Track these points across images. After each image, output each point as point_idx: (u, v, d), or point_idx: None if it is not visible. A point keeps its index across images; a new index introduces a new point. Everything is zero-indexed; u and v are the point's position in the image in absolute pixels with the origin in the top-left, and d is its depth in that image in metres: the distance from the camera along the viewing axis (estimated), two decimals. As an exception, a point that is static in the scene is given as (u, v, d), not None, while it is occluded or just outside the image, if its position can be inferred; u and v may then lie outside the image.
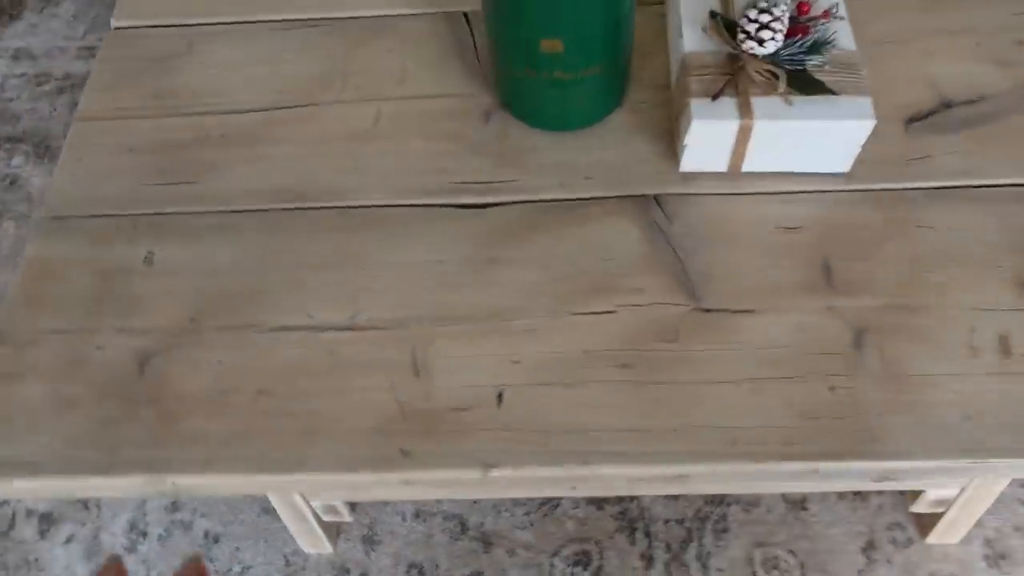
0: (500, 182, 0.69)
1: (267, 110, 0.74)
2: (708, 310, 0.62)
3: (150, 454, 0.57)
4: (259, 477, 0.57)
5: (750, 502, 0.99)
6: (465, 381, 0.60)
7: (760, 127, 0.63)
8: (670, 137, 0.70)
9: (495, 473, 0.56)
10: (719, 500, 0.99)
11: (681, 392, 0.58)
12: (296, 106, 0.75)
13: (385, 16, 0.80)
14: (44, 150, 1.35)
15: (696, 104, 0.63)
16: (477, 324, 0.62)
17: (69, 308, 0.65)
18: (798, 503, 0.99)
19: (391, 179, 0.69)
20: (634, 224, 0.66)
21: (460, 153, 0.71)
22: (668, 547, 0.96)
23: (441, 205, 0.68)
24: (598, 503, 1.00)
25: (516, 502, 0.99)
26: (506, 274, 0.64)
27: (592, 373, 0.59)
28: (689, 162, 0.68)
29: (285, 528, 0.95)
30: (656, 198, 0.67)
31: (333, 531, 0.97)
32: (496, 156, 0.70)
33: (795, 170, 0.67)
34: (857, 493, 0.99)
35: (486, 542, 0.96)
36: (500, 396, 0.59)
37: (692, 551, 0.96)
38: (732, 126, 0.64)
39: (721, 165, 0.68)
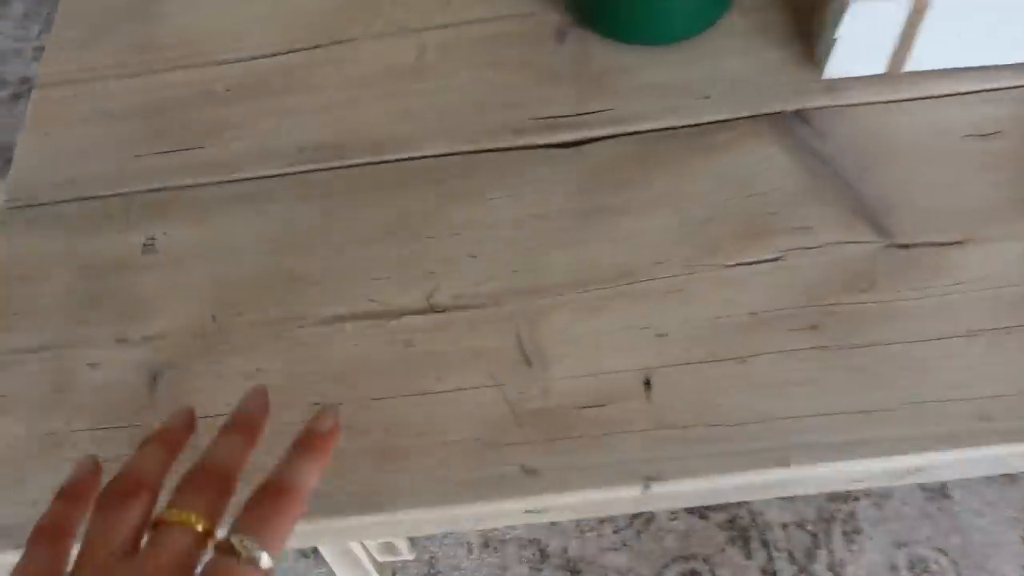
0: (591, 113, 0.53)
1: (281, 54, 0.59)
2: (905, 245, 0.46)
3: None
4: (321, 524, 0.41)
5: (881, 495, 0.83)
6: (594, 367, 0.44)
7: (941, 5, 0.48)
8: (802, 39, 0.55)
9: (659, 489, 0.40)
10: (843, 496, 0.84)
11: (894, 356, 0.43)
12: (317, 46, 0.59)
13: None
14: (6, 163, 1.19)
15: (856, -20, 0.48)
16: (598, 289, 0.46)
17: (48, 318, 0.48)
18: (938, 491, 0.83)
19: (450, 122, 0.54)
20: (777, 147, 0.51)
21: (532, 84, 0.55)
22: (792, 557, 0.80)
23: (520, 148, 0.52)
24: (700, 512, 0.84)
25: (603, 519, 0.84)
26: (623, 224, 0.49)
27: (766, 341, 0.44)
28: (837, 65, 0.52)
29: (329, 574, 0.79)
30: (799, 114, 0.52)
31: (388, 573, 0.81)
32: (579, 83, 0.55)
33: (976, 64, 0.52)
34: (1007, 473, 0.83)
35: (573, 571, 0.80)
36: (647, 383, 0.43)
37: (822, 560, 0.80)
38: (902, 7, 0.48)
39: (878, 65, 0.52)
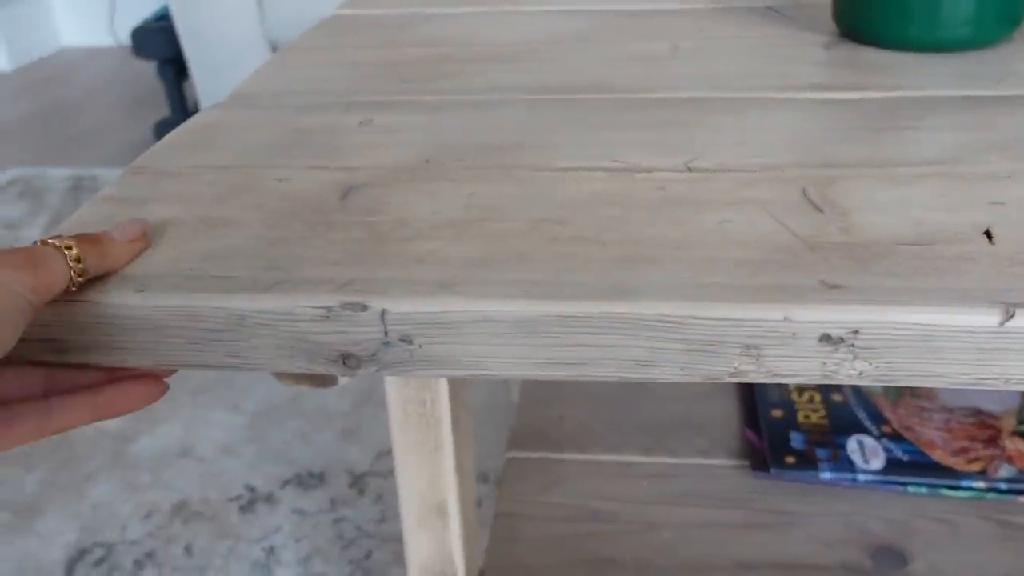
0: (879, 84, 0.48)
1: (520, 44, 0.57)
2: None
3: (345, 273, 0.32)
4: (556, 306, 0.30)
5: None
6: (911, 219, 0.34)
7: None
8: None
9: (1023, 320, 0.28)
10: None
11: None
12: (556, 41, 0.57)
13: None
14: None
15: None
16: (901, 169, 0.37)
17: (243, 151, 0.43)
18: None
19: (713, 80, 0.49)
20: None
21: (801, 65, 0.51)
22: None
23: (792, 100, 0.46)
24: None
25: None
26: (925, 136, 0.40)
27: None
28: None
29: None
30: None
31: None
32: (857, 69, 0.50)
33: None
34: None
35: None
36: (988, 234, 0.32)
37: None
38: None
39: None
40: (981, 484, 0.65)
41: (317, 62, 0.56)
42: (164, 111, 2.20)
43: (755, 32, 0.57)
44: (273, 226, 0.35)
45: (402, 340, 0.31)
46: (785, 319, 0.29)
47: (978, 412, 0.72)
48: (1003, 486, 0.64)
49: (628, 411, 0.74)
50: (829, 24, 0.58)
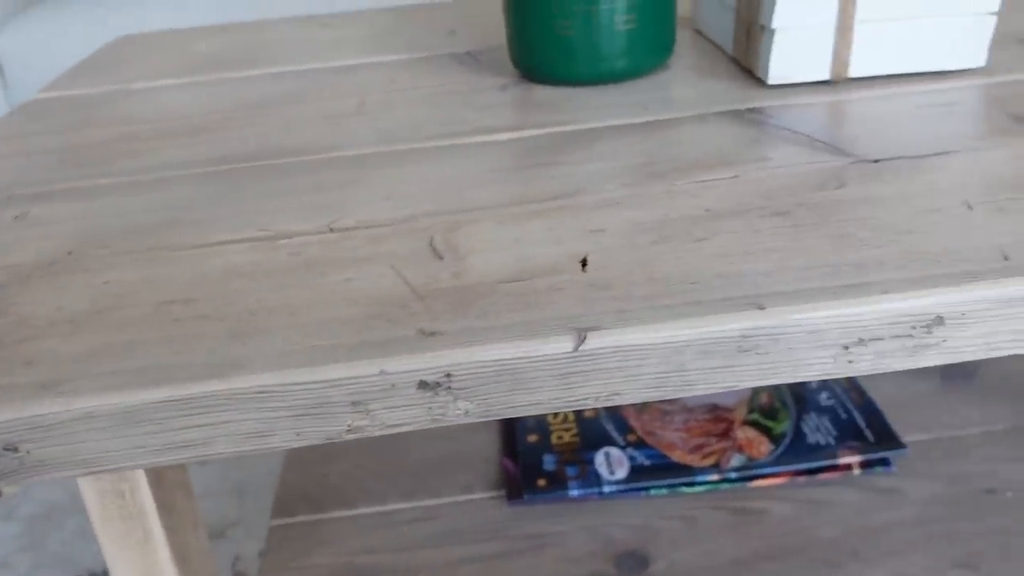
0: (539, 122, 0.51)
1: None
2: (876, 160, 0.41)
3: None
4: (157, 392, 0.30)
5: None
6: (520, 255, 0.36)
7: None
8: (742, 75, 0.54)
9: (595, 341, 0.30)
10: None
11: (870, 225, 0.35)
12: (254, 106, 0.58)
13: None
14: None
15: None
16: (526, 206, 0.40)
17: None
18: None
19: (386, 134, 0.51)
20: (732, 125, 0.47)
21: (471, 111, 0.53)
22: None
23: (453, 146, 0.49)
24: None
25: None
26: (561, 171, 0.43)
27: (724, 226, 0.36)
28: (779, 68, 0.51)
29: None
30: (749, 110, 0.49)
31: None
32: (522, 108, 0.53)
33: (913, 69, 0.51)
34: None
35: None
36: (583, 262, 0.35)
37: None
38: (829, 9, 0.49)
39: (821, 71, 0.51)
40: (715, 476, 0.69)
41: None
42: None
43: (442, 80, 0.60)
44: None
45: (7, 449, 0.30)
46: (381, 372, 0.30)
47: (714, 408, 0.77)
48: (734, 475, 0.69)
49: (395, 456, 0.75)
50: (510, 67, 0.61)
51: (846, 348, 0.31)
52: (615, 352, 0.30)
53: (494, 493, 0.70)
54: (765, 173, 0.41)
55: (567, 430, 0.75)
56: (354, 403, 0.31)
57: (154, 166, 0.49)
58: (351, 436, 0.31)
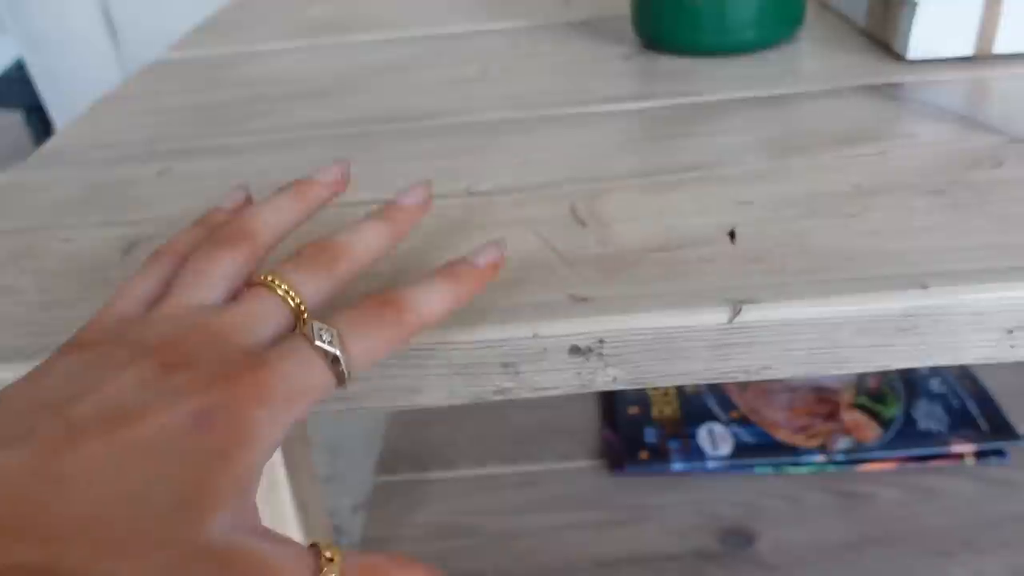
0: (667, 91, 0.50)
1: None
2: (1034, 139, 0.39)
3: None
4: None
5: None
6: (664, 225, 0.36)
7: None
8: (878, 47, 0.53)
9: (751, 314, 0.30)
10: None
11: (1045, 205, 0.34)
12: (374, 72, 0.58)
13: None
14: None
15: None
16: (663, 176, 0.39)
17: (32, 213, 0.43)
18: None
19: (514, 101, 0.51)
20: (870, 100, 0.46)
21: (600, 79, 0.53)
22: None
23: (582, 114, 0.48)
24: None
25: None
26: (695, 142, 0.43)
27: (876, 203, 0.35)
28: (920, 43, 0.49)
29: None
30: (887, 85, 0.48)
31: None
32: (651, 79, 0.52)
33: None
34: None
35: None
36: (732, 234, 0.34)
37: None
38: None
39: (965, 47, 0.49)
40: (821, 458, 0.68)
41: (129, 111, 0.56)
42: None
43: (562, 48, 0.59)
44: (47, 290, 0.35)
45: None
46: (534, 335, 0.30)
47: (819, 389, 0.76)
48: (841, 457, 0.68)
49: (493, 421, 0.75)
50: (633, 36, 0.61)
51: (1010, 332, 0.30)
52: (771, 326, 0.30)
53: (594, 462, 0.70)
54: (914, 150, 0.39)
55: (668, 404, 0.75)
56: (504, 364, 0.31)
57: (287, 126, 0.50)
58: (498, 397, 0.32)
